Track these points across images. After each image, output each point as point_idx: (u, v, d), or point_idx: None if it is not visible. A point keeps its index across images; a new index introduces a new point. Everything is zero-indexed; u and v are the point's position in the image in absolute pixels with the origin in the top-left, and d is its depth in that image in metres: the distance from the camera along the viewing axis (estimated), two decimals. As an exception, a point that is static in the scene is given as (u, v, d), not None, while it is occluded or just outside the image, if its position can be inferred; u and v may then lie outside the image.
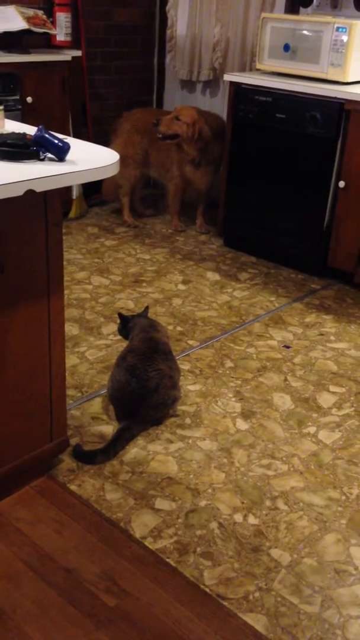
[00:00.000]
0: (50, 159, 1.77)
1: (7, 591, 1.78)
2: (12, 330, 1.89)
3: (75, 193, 4.48)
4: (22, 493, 2.11)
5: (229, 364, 2.91)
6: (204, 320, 3.28)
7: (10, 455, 2.05)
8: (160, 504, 2.10)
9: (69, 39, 4.20)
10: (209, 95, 4.86)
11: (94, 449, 2.28)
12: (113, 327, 3.11)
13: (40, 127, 1.78)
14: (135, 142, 4.33)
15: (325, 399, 2.70)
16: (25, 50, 3.93)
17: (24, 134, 1.85)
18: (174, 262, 3.95)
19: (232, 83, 3.91)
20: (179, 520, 2.04)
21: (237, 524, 2.04)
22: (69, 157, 1.77)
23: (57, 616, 1.72)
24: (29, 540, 1.94)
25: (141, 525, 2.01)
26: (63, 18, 4.14)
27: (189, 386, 2.72)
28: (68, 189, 4.33)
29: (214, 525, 2.03)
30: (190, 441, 2.40)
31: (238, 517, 2.07)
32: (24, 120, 3.76)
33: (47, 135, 1.75)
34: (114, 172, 1.82)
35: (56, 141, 1.75)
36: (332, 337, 3.19)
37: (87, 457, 2.25)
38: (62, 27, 4.14)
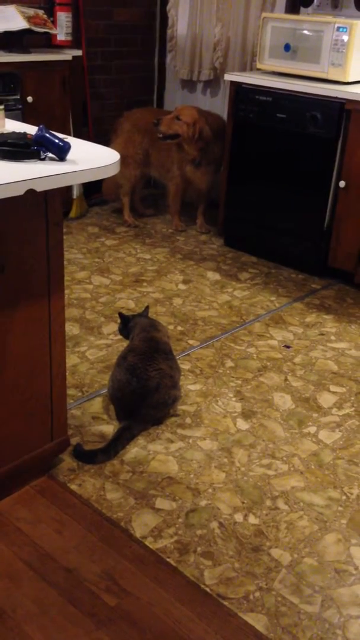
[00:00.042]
0: (51, 159, 1.77)
1: (8, 591, 1.78)
2: (12, 330, 1.89)
3: (75, 193, 4.48)
4: (23, 493, 2.11)
5: (229, 363, 2.91)
6: (204, 320, 3.28)
7: (11, 455, 2.05)
8: (161, 503, 2.10)
9: (69, 38, 4.20)
10: (209, 95, 4.86)
11: (95, 448, 2.28)
12: (113, 326, 3.11)
13: (40, 126, 1.78)
14: (136, 141, 4.33)
15: (326, 399, 2.70)
16: (25, 50, 3.93)
17: (25, 134, 1.85)
18: (174, 262, 3.95)
19: (232, 83, 3.91)
20: (180, 520, 2.04)
21: (238, 524, 2.04)
22: (69, 156, 1.77)
23: (57, 616, 1.72)
24: (29, 539, 1.94)
25: (141, 524, 2.02)
26: (64, 18, 4.14)
27: (190, 386, 2.73)
28: (68, 189, 4.33)
29: (214, 525, 2.03)
30: (190, 441, 2.40)
31: (238, 517, 2.07)
32: (24, 119, 3.76)
33: (47, 135, 1.75)
34: (114, 171, 1.82)
35: (57, 141, 1.75)
36: (332, 337, 3.19)
37: (87, 457, 2.25)
38: (62, 27, 4.14)
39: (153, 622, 1.72)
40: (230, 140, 4.00)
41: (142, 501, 2.10)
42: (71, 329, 3.09)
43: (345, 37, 3.45)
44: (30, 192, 1.61)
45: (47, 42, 4.19)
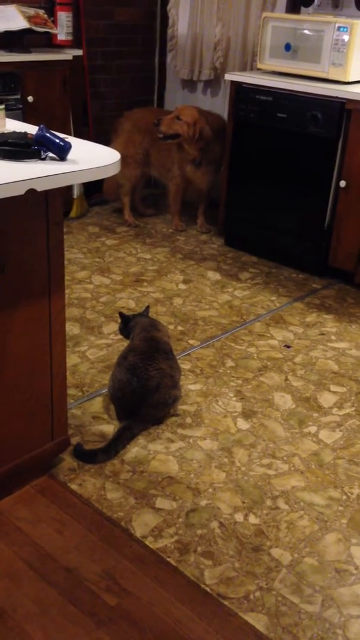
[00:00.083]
0: (52, 159, 1.77)
1: (8, 590, 1.78)
2: (13, 329, 1.89)
3: (76, 192, 4.48)
4: (23, 492, 2.11)
5: (229, 363, 2.91)
6: (204, 320, 3.28)
7: (11, 455, 2.05)
8: (161, 503, 2.10)
9: (70, 38, 4.20)
10: (209, 95, 4.86)
11: (95, 448, 2.28)
12: (114, 326, 3.11)
13: (41, 126, 1.78)
14: (136, 141, 4.33)
15: (326, 399, 2.70)
16: (26, 50, 3.93)
17: (25, 133, 1.85)
18: (174, 262, 3.95)
19: (233, 82, 3.91)
20: (180, 520, 2.04)
21: (238, 524, 2.04)
22: (70, 156, 1.77)
23: (57, 615, 1.72)
24: (29, 539, 1.94)
25: (142, 524, 2.02)
26: (64, 17, 4.14)
27: (190, 385, 2.73)
28: (69, 188, 4.33)
29: (214, 524, 2.03)
30: (191, 440, 2.40)
31: (239, 517, 2.07)
32: (25, 119, 3.76)
33: (48, 135, 1.75)
34: (115, 171, 1.82)
35: (57, 140, 1.75)
36: (333, 337, 3.19)
37: (88, 457, 2.26)
38: (63, 27, 4.14)
39: (153, 621, 1.72)
40: (230, 140, 4.00)
41: (143, 501, 2.10)
42: (71, 328, 3.09)
43: (345, 37, 3.45)
44: (31, 192, 1.61)
45: (48, 41, 4.19)
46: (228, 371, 2.85)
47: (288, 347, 3.08)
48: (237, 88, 3.87)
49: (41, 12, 4.00)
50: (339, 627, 1.73)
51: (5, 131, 1.93)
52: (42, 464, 2.17)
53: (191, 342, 3.07)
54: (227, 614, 1.75)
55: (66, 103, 4.15)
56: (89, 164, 1.76)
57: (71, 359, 2.83)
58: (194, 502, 2.11)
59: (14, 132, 1.88)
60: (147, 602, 1.77)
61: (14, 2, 3.95)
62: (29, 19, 3.87)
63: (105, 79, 4.79)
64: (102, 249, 4.06)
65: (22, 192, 1.60)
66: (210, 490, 2.17)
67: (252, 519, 2.06)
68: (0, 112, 2.00)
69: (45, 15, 4.00)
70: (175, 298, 3.49)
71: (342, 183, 3.54)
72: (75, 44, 4.29)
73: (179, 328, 3.19)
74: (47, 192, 1.78)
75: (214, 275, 3.80)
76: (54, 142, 1.75)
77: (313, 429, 2.51)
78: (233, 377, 2.81)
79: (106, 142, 4.06)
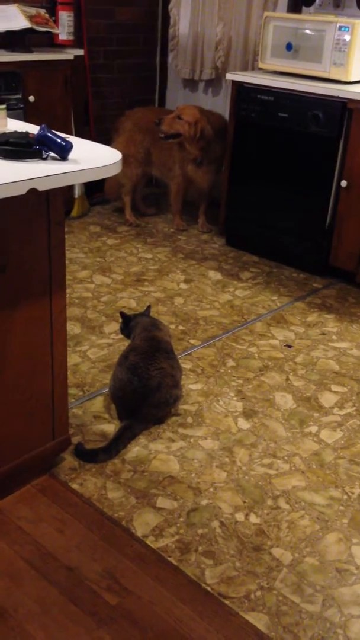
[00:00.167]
0: (53, 158, 1.77)
1: (9, 590, 1.79)
2: (13, 329, 1.90)
3: (77, 192, 4.48)
4: (24, 491, 2.11)
5: (230, 363, 2.91)
6: (205, 320, 3.28)
7: (12, 454, 2.05)
8: (162, 502, 2.10)
9: (71, 37, 4.20)
10: (211, 94, 4.86)
11: (96, 447, 2.28)
12: (115, 326, 3.11)
13: (42, 126, 1.78)
14: (137, 141, 4.33)
15: (327, 399, 2.70)
16: (27, 49, 3.93)
17: (27, 133, 1.85)
18: (175, 261, 3.95)
19: (234, 82, 3.91)
20: (181, 519, 2.04)
21: (239, 523, 2.04)
22: (71, 156, 1.77)
23: (58, 614, 1.73)
24: (30, 538, 1.95)
25: (143, 524, 2.02)
26: (65, 17, 4.14)
27: (191, 385, 2.73)
28: (70, 188, 4.33)
29: (215, 524, 2.03)
30: (191, 440, 2.40)
31: (239, 516, 2.07)
32: (26, 119, 3.77)
33: (49, 134, 1.75)
34: (116, 171, 1.82)
35: (59, 140, 1.75)
36: (334, 337, 3.19)
37: (88, 456, 2.26)
38: (64, 26, 4.14)
39: (154, 621, 1.72)
40: (231, 139, 4.00)
41: (144, 500, 2.10)
42: (72, 328, 3.10)
43: (347, 37, 3.45)
44: (32, 192, 1.61)
45: (49, 41, 4.19)
46: (229, 371, 2.85)
47: (289, 346, 3.08)
48: (239, 88, 3.87)
49: (42, 11, 4.00)
50: (339, 626, 1.73)
51: (7, 131, 1.93)
52: (43, 463, 2.17)
53: (192, 341, 3.07)
54: (228, 613, 1.75)
55: (67, 102, 4.15)
56: (91, 164, 1.76)
57: (72, 359, 2.83)
58: (194, 502, 2.11)
59: (16, 132, 1.88)
60: (148, 601, 1.78)
61: (16, 1, 3.96)
62: (31, 18, 3.87)
63: (107, 78, 4.80)
64: (103, 249, 4.06)
65: (24, 192, 1.60)
66: (211, 489, 2.17)
67: (253, 519, 2.06)
68: (2, 112, 2.00)
69: (47, 15, 4.01)
70: (176, 298, 3.49)
71: (343, 183, 3.54)
72: (76, 43, 4.29)
73: (180, 327, 3.19)
74: (48, 192, 1.78)
75: (215, 275, 3.80)
76: (55, 141, 1.75)
77: (314, 428, 2.51)
78: (234, 376, 2.81)
79: (107, 141, 4.06)
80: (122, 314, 2.67)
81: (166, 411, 2.47)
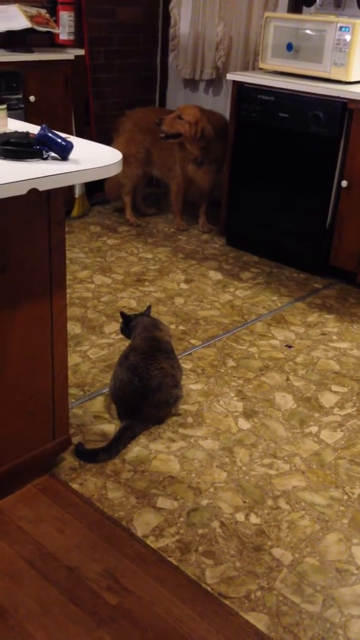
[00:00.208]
0: (54, 158, 1.77)
1: (9, 589, 1.79)
2: (14, 329, 1.90)
3: (77, 192, 4.48)
4: (24, 491, 2.12)
5: (231, 363, 2.91)
6: (206, 320, 3.28)
7: (12, 454, 2.05)
8: (162, 502, 2.10)
9: (72, 37, 4.20)
10: (211, 94, 4.86)
11: (96, 447, 2.29)
12: (115, 326, 3.11)
13: (43, 126, 1.79)
14: (138, 141, 4.33)
15: (327, 399, 2.70)
16: (28, 49, 3.93)
17: (27, 133, 1.85)
18: (176, 261, 3.95)
19: (235, 82, 3.91)
20: (181, 519, 2.04)
21: (239, 523, 2.04)
22: (72, 156, 1.77)
23: (59, 614, 1.73)
24: (31, 538, 1.95)
25: (143, 523, 2.02)
26: (66, 17, 4.14)
27: (191, 385, 2.73)
28: (70, 188, 4.33)
29: (215, 524, 2.03)
30: (192, 440, 2.40)
31: (240, 516, 2.07)
32: (27, 119, 3.76)
33: (50, 134, 1.75)
34: (116, 171, 1.82)
35: (59, 140, 1.76)
36: (334, 337, 3.19)
37: (89, 456, 2.26)
38: (65, 26, 4.14)
39: (154, 621, 1.72)
40: (232, 139, 4.00)
41: (144, 500, 2.11)
42: (73, 328, 3.10)
43: (347, 37, 3.45)
44: (33, 192, 1.61)
45: (50, 41, 4.19)
46: (229, 371, 2.85)
47: (289, 347, 3.08)
48: (239, 88, 3.87)
49: (43, 11, 4.00)
50: (340, 627, 1.73)
51: (7, 131, 1.93)
52: (44, 463, 2.17)
53: (192, 341, 3.07)
54: (228, 613, 1.75)
55: (68, 102, 4.15)
56: (91, 164, 1.76)
57: (72, 359, 2.83)
58: (195, 502, 2.11)
59: (16, 132, 1.88)
60: (148, 601, 1.78)
61: (16, 1, 3.96)
62: (31, 18, 3.87)
63: (107, 78, 4.80)
64: (104, 249, 4.06)
65: (24, 192, 1.60)
66: (212, 489, 2.17)
67: (253, 519, 2.06)
68: (2, 112, 2.00)
69: (47, 15, 4.01)
70: (176, 298, 3.49)
71: (344, 183, 3.54)
72: (77, 43, 4.29)
73: (181, 328, 3.19)
74: (48, 192, 1.78)
75: (216, 275, 3.80)
76: (56, 141, 1.75)
77: (314, 429, 2.51)
78: (234, 376, 2.81)
79: (108, 141, 4.06)
80: (123, 314, 2.67)
81: (166, 411, 2.47)
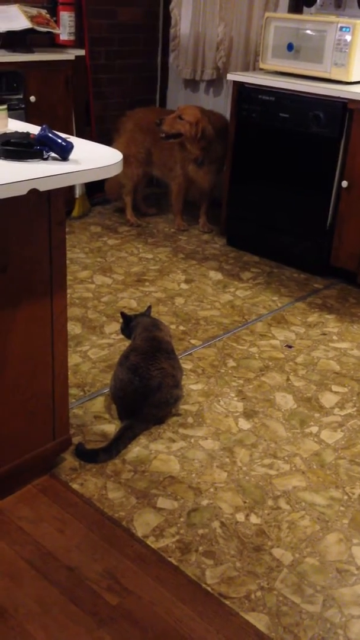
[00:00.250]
0: (54, 158, 1.77)
1: (9, 589, 1.79)
2: (14, 329, 1.90)
3: (78, 192, 4.49)
4: (25, 491, 2.12)
5: (231, 363, 2.91)
6: (206, 320, 3.28)
7: (13, 454, 2.05)
8: (162, 503, 2.10)
9: (72, 38, 4.20)
10: (212, 95, 4.86)
11: (97, 447, 2.29)
12: (116, 326, 3.11)
13: (43, 126, 1.79)
14: (138, 141, 4.33)
15: (328, 399, 2.70)
16: (28, 50, 3.93)
17: (28, 133, 1.85)
18: (176, 262, 3.95)
19: (235, 82, 3.91)
20: (181, 519, 2.04)
21: (239, 523, 2.04)
22: (72, 156, 1.78)
23: (59, 614, 1.73)
24: (31, 538, 1.95)
25: (143, 524, 2.02)
26: (67, 17, 4.14)
27: (192, 385, 2.73)
28: (71, 188, 4.33)
29: (216, 524, 2.03)
30: (192, 440, 2.41)
31: (240, 517, 2.07)
32: (27, 119, 3.76)
33: (50, 135, 1.76)
34: (117, 171, 1.82)
35: (59, 140, 1.76)
36: (334, 337, 3.19)
37: (89, 456, 2.26)
38: (65, 26, 4.15)
39: (154, 621, 1.72)
40: (233, 139, 4.00)
41: (144, 500, 2.11)
42: (73, 328, 3.10)
43: (348, 37, 3.45)
44: (33, 192, 1.62)
45: (50, 41, 4.19)
46: (230, 371, 2.85)
47: (290, 347, 3.08)
48: (240, 88, 3.87)
49: (44, 12, 4.01)
50: (340, 627, 1.73)
51: (8, 131, 1.93)
52: (44, 463, 2.17)
53: (193, 341, 3.07)
54: (228, 613, 1.76)
55: (68, 103, 4.15)
56: (91, 164, 1.77)
57: (73, 359, 2.83)
58: (195, 502, 2.11)
59: (17, 132, 1.88)
60: (148, 601, 1.78)
61: (17, 2, 3.96)
62: (32, 18, 3.87)
63: (108, 78, 4.80)
64: (104, 249, 4.07)
65: (24, 192, 1.60)
66: (212, 490, 2.17)
67: (254, 519, 2.06)
68: (3, 112, 2.00)
69: (48, 15, 4.01)
70: (177, 298, 3.49)
71: (344, 183, 3.54)
72: (77, 43, 4.29)
73: (181, 328, 3.19)
74: (49, 192, 1.78)
75: (216, 275, 3.80)
76: (56, 142, 1.75)
77: (314, 429, 2.51)
78: (234, 377, 2.81)
79: (108, 141, 4.06)
80: (123, 314, 2.67)
81: (167, 411, 2.47)
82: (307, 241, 3.81)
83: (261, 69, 3.95)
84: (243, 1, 4.30)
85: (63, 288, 1.98)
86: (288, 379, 2.82)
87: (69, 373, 2.16)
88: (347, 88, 3.47)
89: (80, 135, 4.18)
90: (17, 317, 1.89)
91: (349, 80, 3.52)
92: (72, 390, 2.58)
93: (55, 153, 1.76)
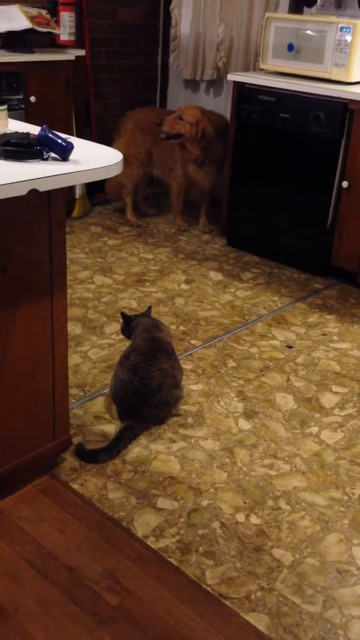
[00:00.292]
0: (54, 159, 1.77)
1: (10, 590, 1.79)
2: (15, 329, 1.90)
3: (78, 192, 4.49)
4: (25, 492, 2.12)
5: (231, 363, 2.91)
6: (206, 320, 3.28)
7: (13, 454, 2.05)
8: (163, 503, 2.10)
9: (72, 38, 4.20)
10: (212, 95, 4.86)
11: (97, 448, 2.29)
12: (116, 326, 3.11)
13: (43, 126, 1.79)
14: (139, 141, 4.33)
15: (328, 399, 2.70)
16: (29, 50, 3.93)
17: (28, 134, 1.85)
18: (176, 262, 3.95)
19: (235, 83, 3.91)
20: (181, 520, 2.04)
21: (239, 524, 2.04)
22: (72, 156, 1.78)
23: (59, 615, 1.73)
24: (31, 538, 1.95)
25: (143, 524, 2.02)
26: (67, 17, 4.14)
27: (192, 386, 2.73)
28: (71, 188, 4.33)
29: (216, 524, 2.03)
30: (192, 441, 2.40)
31: (240, 517, 2.07)
32: (27, 119, 3.77)
33: (50, 135, 1.76)
34: (117, 171, 1.82)
35: (60, 140, 1.76)
36: (335, 337, 3.19)
37: (89, 456, 2.26)
38: (65, 27, 4.15)
39: (154, 621, 1.72)
40: (233, 140, 4.00)
41: (144, 501, 2.11)
42: (73, 328, 3.10)
43: (348, 37, 3.45)
44: (33, 192, 1.62)
45: (51, 41, 4.19)
46: (230, 371, 2.85)
47: (290, 347, 3.08)
48: (240, 88, 3.87)
49: (44, 12, 4.01)
50: (340, 627, 1.73)
51: (8, 131, 1.93)
52: (44, 463, 2.17)
53: (193, 342, 3.07)
54: (228, 613, 1.75)
55: (69, 103, 4.15)
56: (92, 164, 1.77)
57: (73, 359, 2.83)
58: (195, 502, 2.11)
59: (17, 133, 1.88)
60: (148, 601, 1.78)
61: (17, 2, 3.96)
62: (32, 19, 3.88)
63: (108, 78, 4.80)
64: (104, 249, 4.07)
65: (24, 193, 1.60)
66: (212, 490, 2.17)
67: (254, 519, 2.06)
68: (3, 113, 2.00)
69: (48, 15, 4.01)
70: (177, 298, 3.49)
71: (345, 183, 3.54)
72: (77, 43, 4.29)
73: (181, 328, 3.19)
74: (49, 192, 1.78)
75: (216, 276, 3.80)
76: (56, 142, 1.75)
77: (315, 429, 2.51)
78: (235, 377, 2.81)
79: (108, 142, 4.07)
80: (123, 315, 2.67)
81: (167, 411, 2.47)
82: (308, 241, 3.81)
83: (261, 70, 3.95)
84: (243, 1, 4.30)
85: (63, 288, 1.98)
86: (288, 380, 2.82)
87: (69, 373, 2.16)
88: (347, 88, 3.47)
89: (80, 135, 4.18)
90: (17, 317, 1.89)
91: (349, 81, 3.52)
92: (72, 391, 2.58)
93: (55, 153, 1.76)
